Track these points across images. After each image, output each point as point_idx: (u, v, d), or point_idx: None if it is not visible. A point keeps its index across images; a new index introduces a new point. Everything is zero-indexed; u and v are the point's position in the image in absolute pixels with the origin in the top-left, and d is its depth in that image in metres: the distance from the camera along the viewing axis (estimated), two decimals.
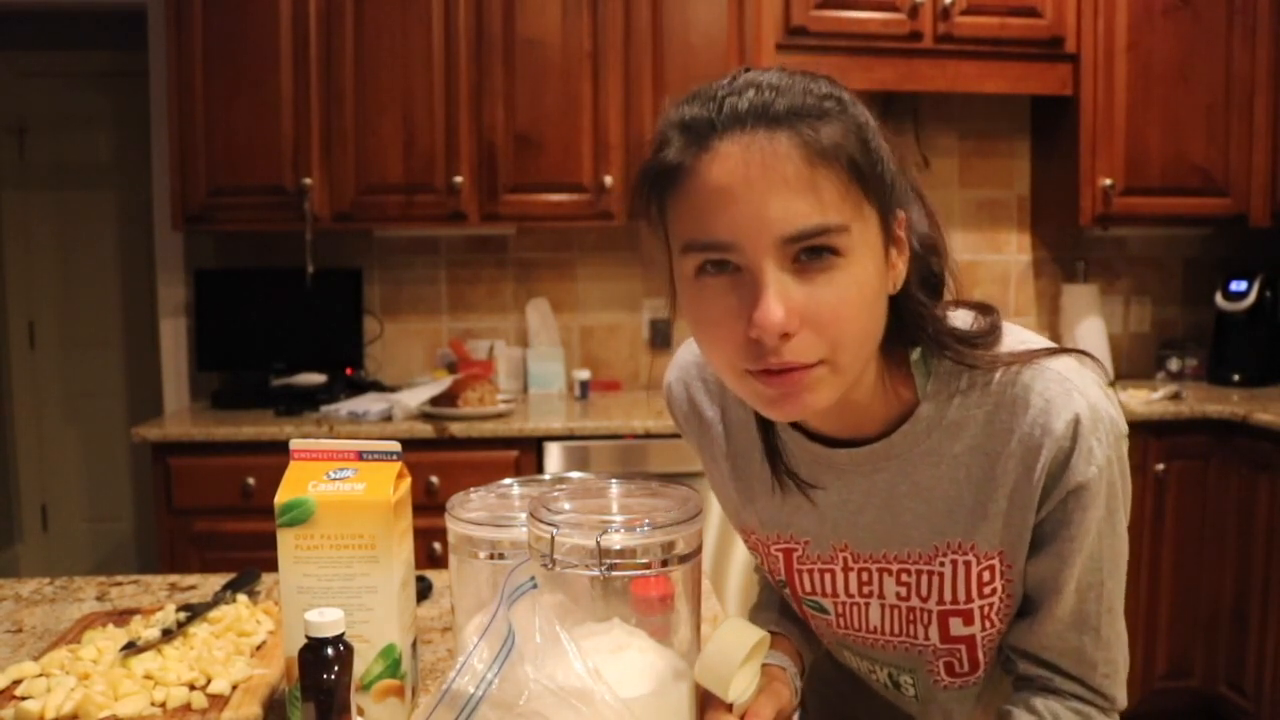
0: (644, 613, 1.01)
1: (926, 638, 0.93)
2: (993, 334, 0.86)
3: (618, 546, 0.82)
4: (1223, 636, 2.82)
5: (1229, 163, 3.06)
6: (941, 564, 0.89)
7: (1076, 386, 0.82)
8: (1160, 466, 2.80)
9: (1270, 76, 3.03)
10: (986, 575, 0.88)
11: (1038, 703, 0.90)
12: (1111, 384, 0.87)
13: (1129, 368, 3.43)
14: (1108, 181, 3.03)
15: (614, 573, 0.82)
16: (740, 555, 1.63)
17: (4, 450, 4.08)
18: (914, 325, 0.84)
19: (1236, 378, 3.18)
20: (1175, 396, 2.92)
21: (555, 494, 0.91)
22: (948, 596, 0.90)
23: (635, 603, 1.01)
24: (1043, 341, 0.87)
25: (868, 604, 0.96)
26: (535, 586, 0.84)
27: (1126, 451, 0.85)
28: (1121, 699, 0.91)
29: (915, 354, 0.87)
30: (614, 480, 0.96)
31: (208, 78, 2.87)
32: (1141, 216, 3.11)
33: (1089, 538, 0.84)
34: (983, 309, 0.88)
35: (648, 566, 0.83)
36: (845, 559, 0.95)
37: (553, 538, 0.83)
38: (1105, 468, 0.82)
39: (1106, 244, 3.43)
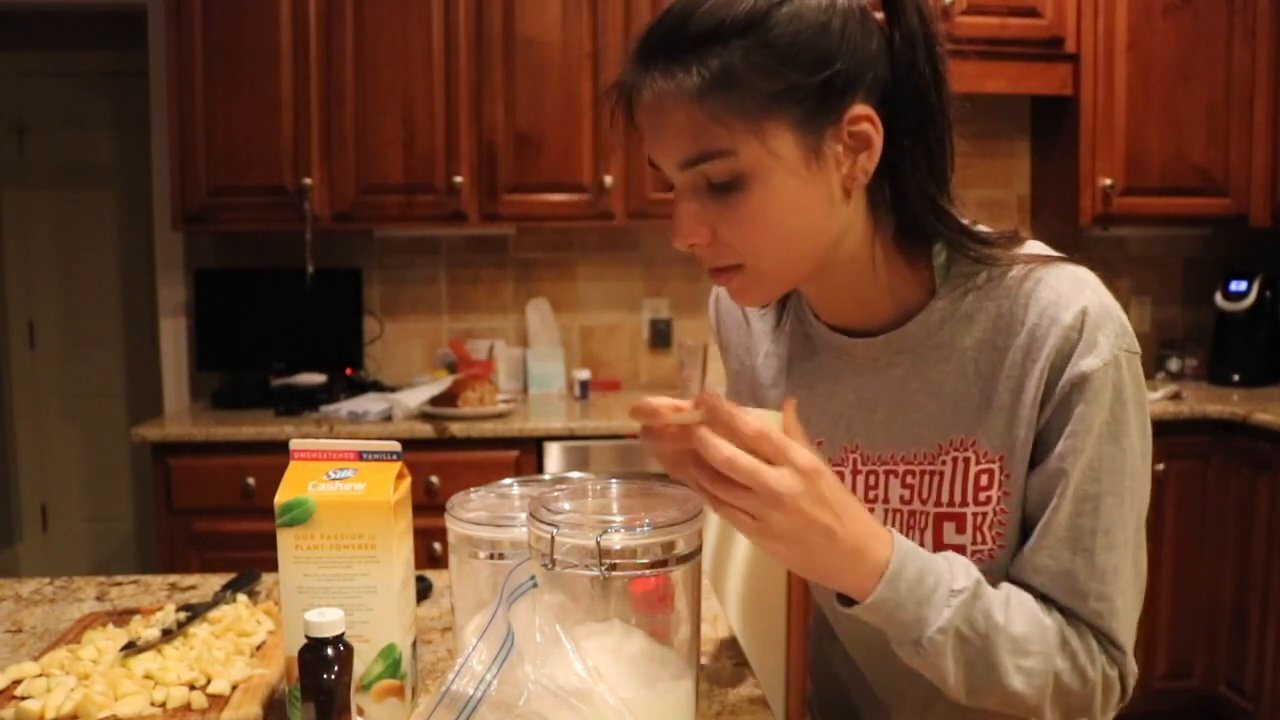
0: (644, 613, 1.01)
1: (921, 544, 0.90)
2: (1014, 240, 0.88)
3: (618, 546, 0.82)
4: (1223, 637, 2.82)
5: (1229, 162, 3.06)
6: (943, 462, 0.89)
7: (1090, 284, 0.85)
8: (1160, 466, 2.80)
9: (1270, 76, 3.03)
10: (985, 479, 0.87)
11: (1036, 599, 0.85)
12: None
13: None
14: (1108, 181, 3.03)
15: (614, 573, 0.82)
16: (740, 555, 1.63)
17: (4, 450, 4.07)
18: (922, 218, 0.85)
19: (1236, 377, 3.18)
20: (1175, 396, 2.92)
21: (555, 494, 0.91)
22: (944, 498, 0.89)
23: (635, 603, 1.01)
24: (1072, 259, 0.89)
25: (872, 510, 0.95)
26: (535, 586, 0.84)
27: (1141, 373, 0.85)
28: (1126, 644, 0.85)
29: (939, 253, 0.89)
30: (614, 480, 0.96)
31: (208, 78, 2.87)
32: (1141, 216, 3.11)
33: (1090, 436, 0.82)
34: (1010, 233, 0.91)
35: (648, 566, 0.83)
36: (855, 460, 0.95)
37: (553, 538, 0.83)
38: (1112, 364, 0.82)
39: (1106, 244, 3.43)
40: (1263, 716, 2.65)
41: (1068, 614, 0.85)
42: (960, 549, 0.88)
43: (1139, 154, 3.04)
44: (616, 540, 0.82)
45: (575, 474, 1.05)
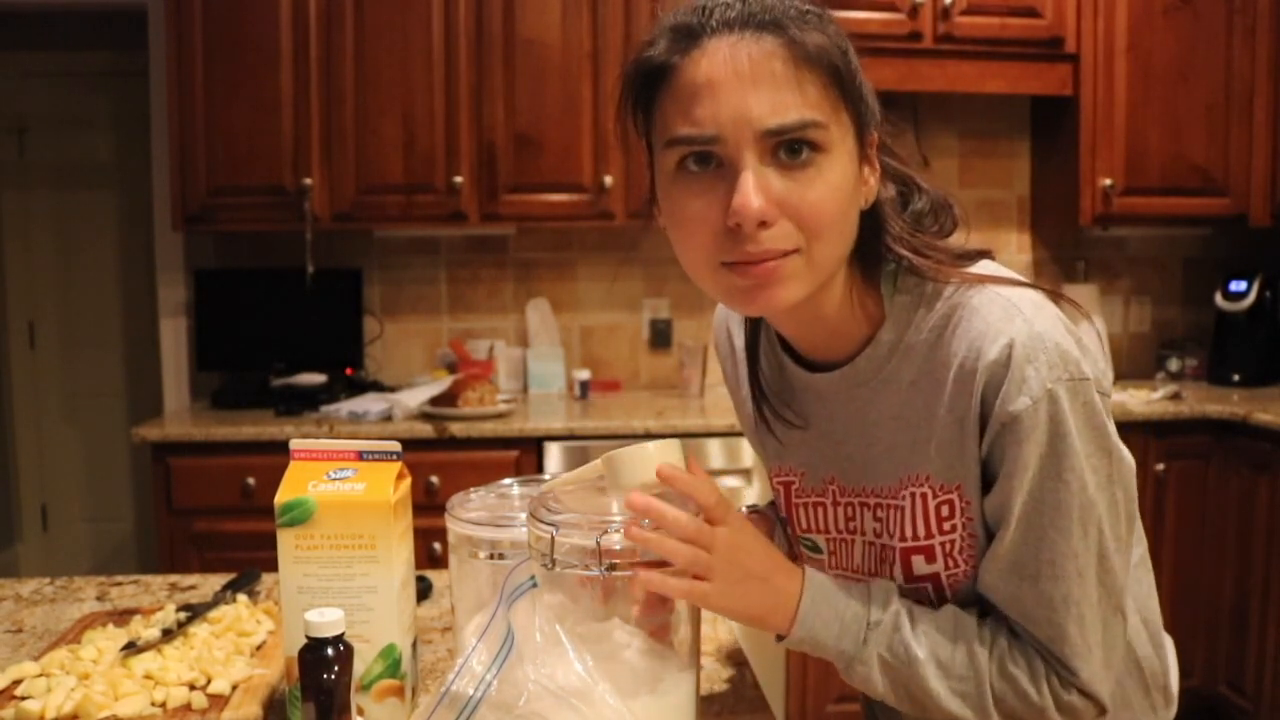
0: (644, 613, 1.00)
1: (893, 576, 0.91)
2: (965, 258, 0.87)
3: (618, 546, 0.82)
4: (1222, 636, 2.82)
5: (1229, 162, 3.06)
6: (904, 498, 0.88)
7: (1022, 313, 0.80)
8: (1160, 467, 2.80)
9: (1270, 76, 3.03)
10: (945, 510, 0.86)
11: (989, 622, 0.86)
12: (1093, 328, 0.86)
13: (1129, 368, 3.43)
14: (1108, 181, 3.03)
15: (614, 573, 0.82)
16: None
17: (4, 450, 4.07)
18: (882, 238, 0.86)
19: (1236, 378, 3.18)
20: (1175, 396, 2.92)
21: (554, 494, 0.91)
22: (909, 532, 0.88)
23: (636, 602, 1.01)
24: (1020, 279, 0.87)
25: (853, 540, 0.95)
26: (535, 586, 0.84)
27: (1095, 398, 0.80)
28: (1081, 669, 0.83)
29: (887, 281, 0.88)
30: None
31: (208, 78, 2.86)
32: (1141, 216, 3.11)
33: (1028, 475, 0.80)
34: (979, 252, 0.90)
35: (648, 566, 0.83)
36: (834, 492, 0.95)
37: (553, 538, 0.83)
38: (1044, 400, 0.78)
39: (1106, 244, 3.43)
40: (1262, 716, 2.65)
41: (1020, 633, 0.85)
42: (934, 576, 0.89)
43: (1139, 154, 3.04)
44: (617, 540, 0.82)
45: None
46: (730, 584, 0.81)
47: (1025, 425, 0.78)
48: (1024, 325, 0.79)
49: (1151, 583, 0.98)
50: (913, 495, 0.87)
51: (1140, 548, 0.96)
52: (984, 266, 0.88)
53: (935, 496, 0.86)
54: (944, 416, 0.84)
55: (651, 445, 0.86)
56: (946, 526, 0.86)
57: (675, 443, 0.86)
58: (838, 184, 0.79)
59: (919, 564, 0.89)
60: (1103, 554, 0.82)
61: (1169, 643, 1.02)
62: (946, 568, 0.88)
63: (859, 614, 0.84)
